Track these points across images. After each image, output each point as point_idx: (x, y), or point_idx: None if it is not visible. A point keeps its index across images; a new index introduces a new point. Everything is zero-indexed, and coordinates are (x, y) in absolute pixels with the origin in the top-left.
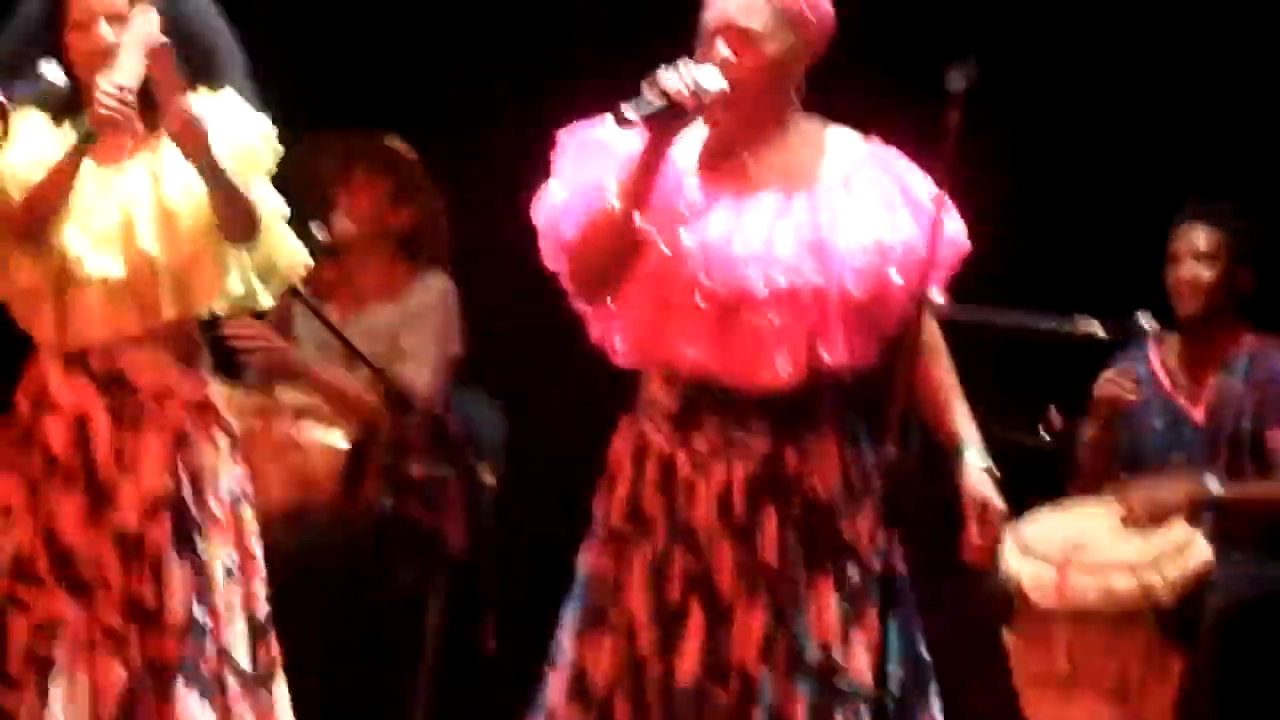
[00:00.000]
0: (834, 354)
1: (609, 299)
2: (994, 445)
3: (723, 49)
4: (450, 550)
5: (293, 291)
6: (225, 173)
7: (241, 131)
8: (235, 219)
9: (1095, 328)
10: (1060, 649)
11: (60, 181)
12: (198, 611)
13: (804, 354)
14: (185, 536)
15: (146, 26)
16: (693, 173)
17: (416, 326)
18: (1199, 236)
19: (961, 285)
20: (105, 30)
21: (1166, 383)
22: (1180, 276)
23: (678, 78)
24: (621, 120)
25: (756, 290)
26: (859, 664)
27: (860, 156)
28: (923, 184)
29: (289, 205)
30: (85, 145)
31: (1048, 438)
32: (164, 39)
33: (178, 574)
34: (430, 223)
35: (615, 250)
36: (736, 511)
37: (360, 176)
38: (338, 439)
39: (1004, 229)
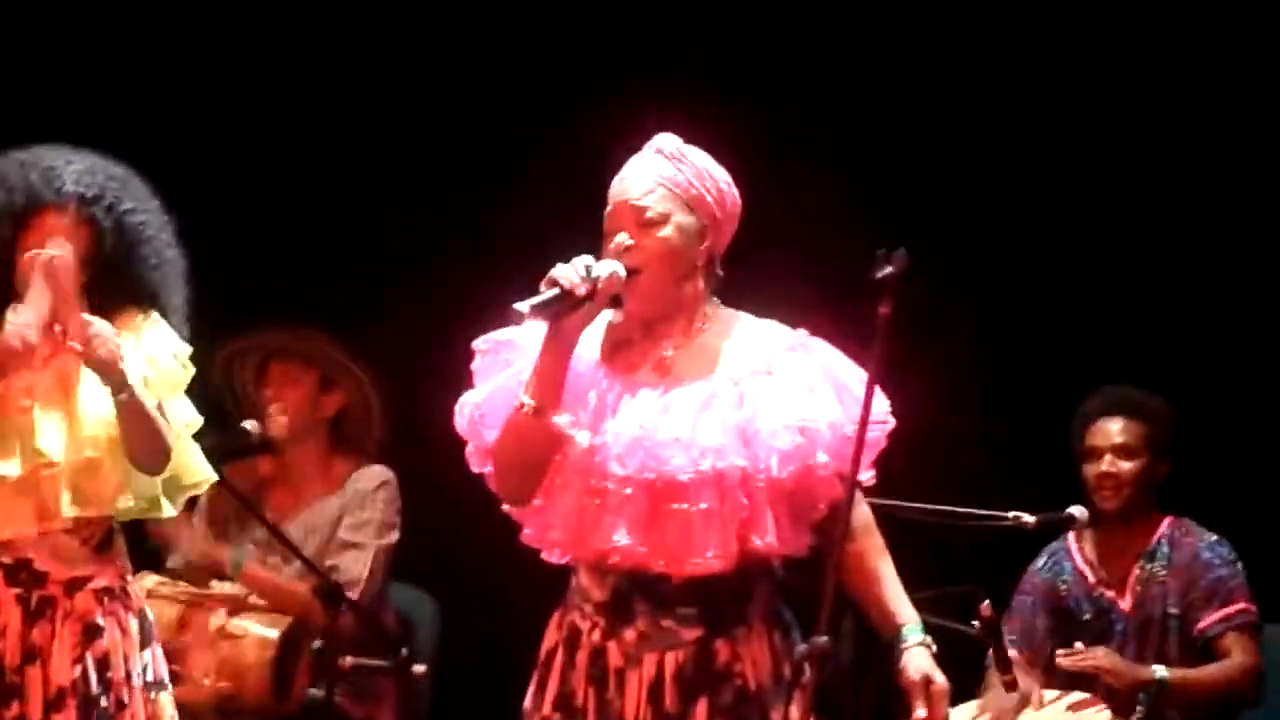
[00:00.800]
0: (763, 538)
1: (535, 499)
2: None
3: (622, 235)
4: None
5: (228, 488)
6: (136, 397)
7: (162, 356)
8: (142, 441)
9: (1025, 520)
10: None
11: None
12: None
13: (733, 539)
14: None
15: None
16: (604, 362)
17: (354, 517)
18: (1116, 429)
19: (889, 473)
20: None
21: (1091, 577)
22: (1102, 472)
23: (570, 269)
24: (517, 316)
25: (682, 475)
26: None
27: (783, 343)
28: (848, 368)
29: (214, 411)
30: None
31: (976, 627)
32: (60, 257)
33: None
34: (359, 408)
35: (535, 449)
36: (667, 702)
37: (282, 372)
38: (269, 630)
39: (934, 414)
